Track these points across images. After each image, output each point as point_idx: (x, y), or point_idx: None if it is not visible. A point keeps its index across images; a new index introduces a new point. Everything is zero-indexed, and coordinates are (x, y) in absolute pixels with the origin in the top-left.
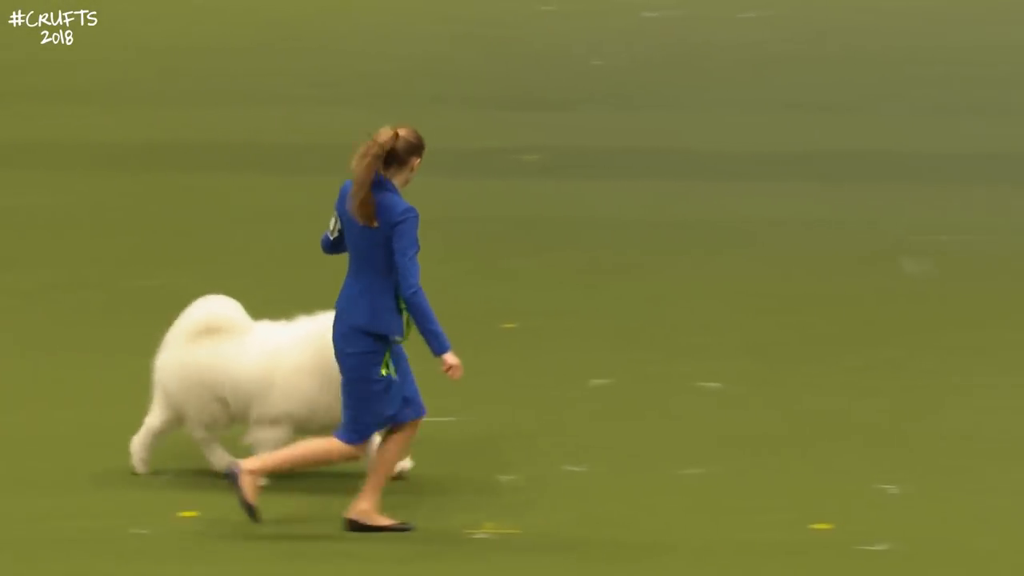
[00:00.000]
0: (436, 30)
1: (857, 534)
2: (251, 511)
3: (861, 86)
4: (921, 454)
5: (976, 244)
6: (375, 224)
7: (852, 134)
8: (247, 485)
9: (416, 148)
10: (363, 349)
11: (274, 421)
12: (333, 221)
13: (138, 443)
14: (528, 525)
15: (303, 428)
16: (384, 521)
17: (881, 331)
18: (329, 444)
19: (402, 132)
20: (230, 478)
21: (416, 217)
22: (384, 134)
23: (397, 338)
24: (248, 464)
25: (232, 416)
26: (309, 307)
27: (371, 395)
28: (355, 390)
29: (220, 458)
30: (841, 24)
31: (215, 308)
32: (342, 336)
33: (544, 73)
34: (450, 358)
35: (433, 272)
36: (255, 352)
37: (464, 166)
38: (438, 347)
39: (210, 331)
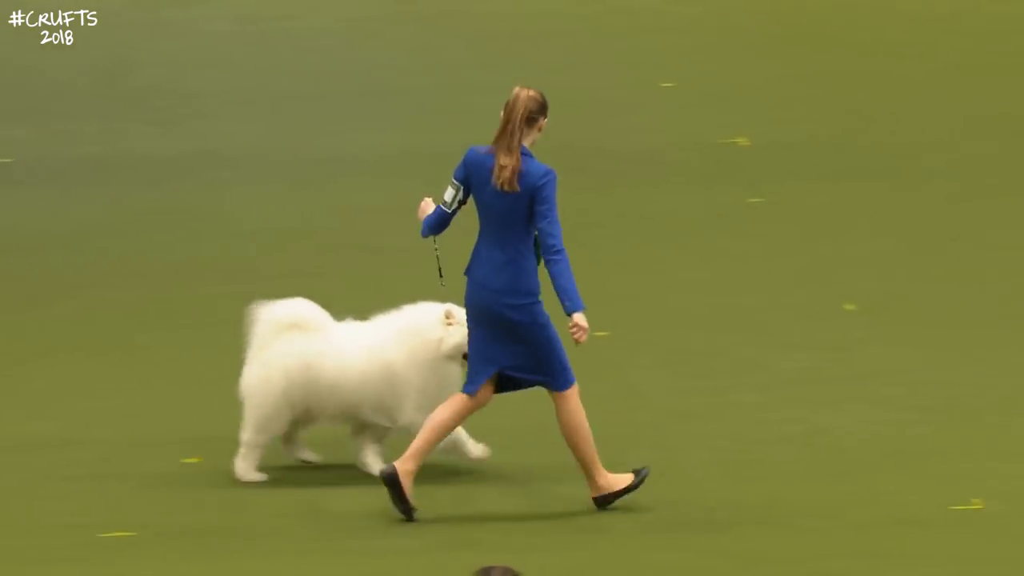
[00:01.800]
0: None
1: None
2: (409, 512)
3: None
4: None
5: None
6: (517, 189)
7: None
8: (407, 486)
9: (544, 107)
10: (525, 301)
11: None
12: (452, 192)
13: (241, 464)
14: None
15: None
16: (624, 481)
17: None
18: (455, 404)
19: (531, 92)
20: (388, 480)
21: (555, 178)
22: (523, 93)
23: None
24: (403, 464)
25: (304, 418)
26: None
27: (552, 337)
28: (539, 336)
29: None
30: None
31: (296, 308)
32: (499, 293)
33: None
34: (579, 318)
35: None
36: (356, 351)
37: None
38: (571, 306)
39: (292, 329)
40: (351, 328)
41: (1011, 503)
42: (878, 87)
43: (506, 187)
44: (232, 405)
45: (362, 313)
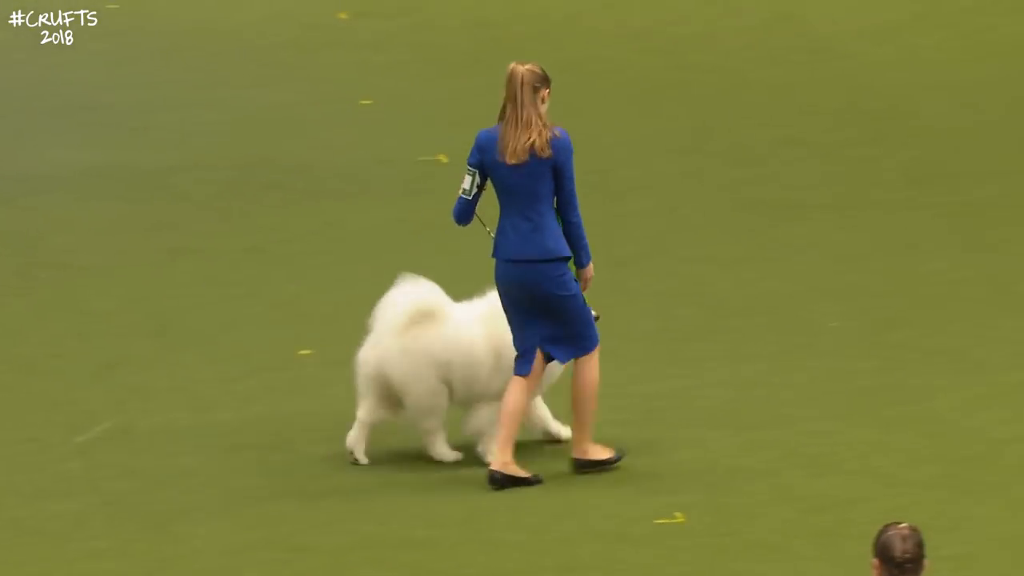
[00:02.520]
0: None
1: None
2: (535, 479)
3: None
4: None
5: None
6: (550, 154)
7: None
8: (516, 473)
9: (546, 79)
10: (560, 272)
11: (495, 397)
12: (469, 180)
13: (354, 438)
14: None
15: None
16: (604, 453)
17: None
18: (527, 384)
19: (528, 65)
20: (498, 483)
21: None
22: (520, 67)
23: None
24: (498, 463)
25: (453, 399)
26: None
27: (581, 305)
28: (572, 306)
29: (442, 448)
30: None
31: (423, 295)
32: (532, 263)
33: None
34: (591, 270)
35: None
36: (481, 332)
37: None
38: (586, 259)
39: (424, 318)
40: (471, 308)
41: (712, 516)
42: (572, 103)
43: (540, 153)
44: None
45: None
